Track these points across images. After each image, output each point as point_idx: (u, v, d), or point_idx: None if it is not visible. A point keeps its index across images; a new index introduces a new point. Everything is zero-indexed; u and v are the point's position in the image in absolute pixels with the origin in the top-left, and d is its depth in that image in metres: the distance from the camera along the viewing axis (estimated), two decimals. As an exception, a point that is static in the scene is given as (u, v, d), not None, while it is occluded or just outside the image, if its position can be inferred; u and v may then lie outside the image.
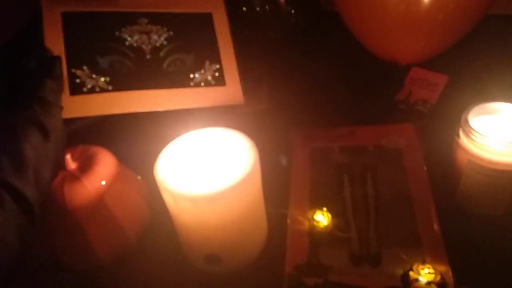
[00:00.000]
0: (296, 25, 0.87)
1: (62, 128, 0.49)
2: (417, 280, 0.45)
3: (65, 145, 0.49)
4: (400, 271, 0.46)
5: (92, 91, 0.57)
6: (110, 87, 0.58)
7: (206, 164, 0.49)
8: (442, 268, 0.45)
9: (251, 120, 0.68)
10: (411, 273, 0.45)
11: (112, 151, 0.54)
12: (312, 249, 0.50)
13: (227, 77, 0.64)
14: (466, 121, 0.50)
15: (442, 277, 0.44)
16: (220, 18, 0.66)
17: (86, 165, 0.50)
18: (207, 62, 0.63)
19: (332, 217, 0.52)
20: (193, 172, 0.48)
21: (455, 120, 0.52)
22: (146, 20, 0.62)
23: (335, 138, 0.63)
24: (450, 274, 0.45)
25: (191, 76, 0.62)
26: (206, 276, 0.51)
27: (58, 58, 0.55)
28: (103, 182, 0.50)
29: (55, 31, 0.57)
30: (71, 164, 0.50)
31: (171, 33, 0.63)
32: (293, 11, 0.85)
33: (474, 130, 0.49)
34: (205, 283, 0.50)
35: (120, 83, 0.59)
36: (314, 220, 0.52)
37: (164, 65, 0.61)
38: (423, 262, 0.46)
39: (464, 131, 0.50)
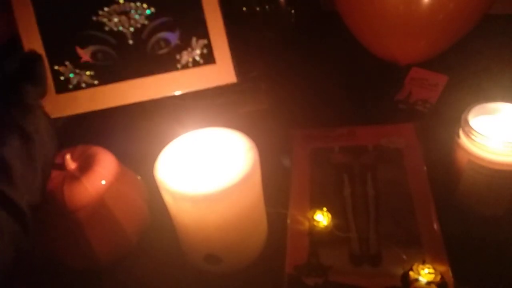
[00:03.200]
0: (296, 25, 0.87)
1: (48, 127, 0.48)
2: (417, 280, 0.45)
3: (57, 144, 0.49)
4: (400, 271, 0.46)
5: (78, 87, 0.56)
6: (96, 81, 0.56)
7: (206, 164, 0.49)
8: (442, 268, 0.45)
9: (251, 120, 0.67)
10: (411, 273, 0.45)
11: (112, 151, 0.54)
12: (312, 249, 0.50)
13: (217, 53, 0.59)
14: (466, 121, 0.50)
15: (442, 277, 0.44)
16: None
17: (86, 165, 0.50)
18: (194, 39, 0.58)
19: (332, 217, 0.52)
20: (193, 172, 0.48)
21: (455, 120, 0.52)
22: None
23: (335, 138, 0.63)
24: (450, 274, 0.45)
25: (177, 57, 0.58)
26: (206, 276, 0.51)
27: (39, 58, 0.53)
28: (103, 182, 0.50)
29: (27, 19, 0.54)
30: (71, 164, 0.50)
31: (152, 9, 0.58)
32: (293, 11, 0.85)
33: (474, 130, 0.49)
34: (205, 283, 0.50)
35: (106, 76, 0.57)
36: (314, 220, 0.52)
37: (148, 48, 0.58)
38: (423, 262, 0.46)
39: (464, 131, 0.50)
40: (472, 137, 0.49)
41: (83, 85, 0.56)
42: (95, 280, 0.52)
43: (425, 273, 0.45)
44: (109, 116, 0.58)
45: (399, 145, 0.60)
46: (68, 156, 0.50)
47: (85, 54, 0.56)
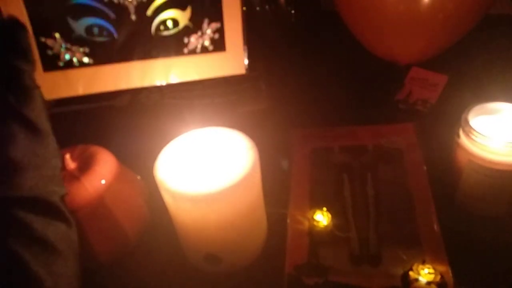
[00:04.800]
0: (296, 25, 0.87)
1: (46, 111, 0.41)
2: (417, 280, 0.45)
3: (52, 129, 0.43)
4: (400, 271, 0.46)
5: (69, 65, 0.48)
6: (90, 60, 0.49)
7: (206, 164, 0.49)
8: (442, 268, 0.45)
9: (251, 120, 0.67)
10: (411, 273, 0.45)
11: (112, 151, 0.54)
12: (312, 249, 0.49)
13: (228, 40, 0.53)
14: (466, 121, 0.50)
15: (442, 277, 0.44)
16: None
17: (86, 165, 0.50)
18: (206, 21, 0.52)
19: (332, 217, 0.52)
20: (193, 172, 0.48)
21: (455, 120, 0.52)
22: None
23: (335, 138, 0.63)
24: (450, 274, 0.45)
25: (185, 40, 0.51)
26: (206, 276, 0.51)
27: (21, 26, 0.41)
28: (103, 182, 0.50)
29: None
30: (71, 164, 0.50)
31: None
32: (293, 11, 0.85)
33: (474, 130, 0.49)
34: (205, 283, 0.50)
35: (102, 55, 0.49)
36: (314, 220, 0.52)
37: (153, 28, 0.51)
38: (423, 262, 0.46)
39: (464, 131, 0.50)
40: (472, 137, 0.49)
41: (76, 63, 0.49)
42: (94, 280, 0.52)
43: (425, 273, 0.45)
44: (109, 116, 0.58)
45: (399, 145, 0.60)
46: (67, 156, 0.50)
47: (78, 27, 0.48)
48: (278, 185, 0.57)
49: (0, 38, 0.40)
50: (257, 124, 0.62)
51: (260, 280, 0.50)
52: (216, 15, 0.52)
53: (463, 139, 0.51)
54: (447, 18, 0.67)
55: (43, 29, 0.47)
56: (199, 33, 0.52)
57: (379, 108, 0.69)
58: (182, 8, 0.51)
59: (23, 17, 0.46)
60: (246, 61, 0.53)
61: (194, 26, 0.51)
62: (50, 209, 0.39)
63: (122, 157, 0.55)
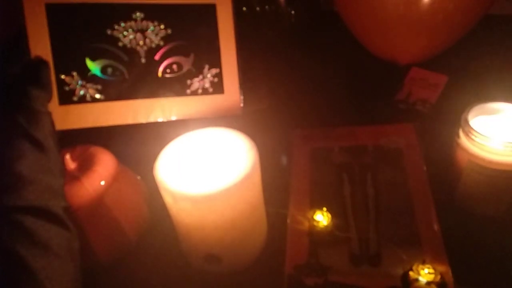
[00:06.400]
0: (296, 25, 0.87)
1: (54, 135, 0.47)
2: (417, 280, 0.45)
3: (59, 150, 0.48)
4: (400, 271, 0.46)
5: (82, 100, 0.54)
6: (102, 97, 0.55)
7: (206, 164, 0.49)
8: (442, 268, 0.45)
9: (251, 120, 0.67)
10: (411, 273, 0.45)
11: (112, 151, 0.54)
12: (312, 249, 0.49)
13: (226, 83, 0.59)
14: (466, 121, 0.50)
15: (442, 277, 0.44)
16: (224, 10, 0.59)
17: (86, 165, 0.50)
18: (207, 67, 0.59)
19: (332, 217, 0.52)
20: (193, 172, 0.48)
21: (455, 120, 0.52)
22: (141, 15, 0.56)
23: (335, 138, 0.63)
24: (450, 274, 0.45)
25: (188, 82, 0.58)
26: (206, 276, 0.51)
27: (45, 64, 0.51)
28: (103, 182, 0.50)
29: (39, 26, 0.52)
30: (71, 164, 0.50)
31: (169, 31, 0.57)
32: (293, 12, 0.85)
33: (474, 130, 0.49)
34: (205, 283, 0.50)
35: (113, 92, 0.55)
36: (314, 220, 0.52)
37: (160, 71, 0.57)
38: (423, 262, 0.46)
39: (464, 131, 0.50)
40: (472, 137, 0.49)
41: (88, 98, 0.55)
42: (94, 280, 0.52)
43: (425, 273, 0.45)
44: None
45: (399, 145, 0.60)
46: (67, 156, 0.50)
47: (94, 67, 0.55)
48: (278, 185, 0.57)
49: (25, 71, 0.49)
50: (257, 124, 0.62)
51: (260, 280, 0.50)
52: (216, 62, 0.59)
53: (463, 139, 0.51)
54: (447, 18, 0.67)
55: (63, 68, 0.53)
56: (201, 76, 0.59)
57: (379, 108, 0.69)
58: (186, 55, 0.58)
59: (48, 55, 0.52)
60: (241, 104, 0.61)
61: (196, 71, 0.59)
62: (52, 218, 0.42)
63: (122, 157, 0.55)
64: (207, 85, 0.59)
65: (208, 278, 0.50)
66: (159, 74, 0.57)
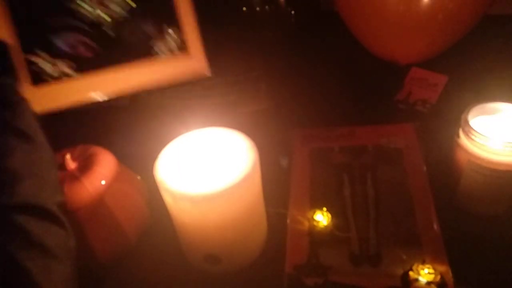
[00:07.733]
0: (296, 25, 0.87)
1: (36, 121, 0.44)
2: (417, 280, 0.45)
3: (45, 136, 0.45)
4: (400, 271, 0.46)
5: (55, 78, 0.54)
6: (73, 72, 0.55)
7: (206, 164, 0.49)
8: (442, 268, 0.45)
9: (251, 120, 0.68)
10: (411, 273, 0.45)
11: (112, 151, 0.54)
12: (312, 249, 0.49)
13: (189, 43, 0.60)
14: (466, 121, 0.50)
15: (442, 277, 0.44)
16: None
17: (86, 165, 0.50)
18: (168, 29, 0.59)
19: (332, 217, 0.52)
20: (193, 172, 0.48)
21: (455, 120, 0.52)
22: None
23: (335, 138, 0.63)
24: (450, 274, 0.45)
25: (154, 47, 0.59)
26: (206, 276, 0.51)
27: (6, 47, 0.48)
28: (103, 182, 0.50)
29: None
30: (71, 164, 0.50)
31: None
32: (292, 12, 0.85)
33: (474, 130, 0.49)
34: (205, 283, 0.50)
35: (83, 66, 0.56)
36: (314, 220, 0.52)
37: (126, 37, 0.58)
38: (423, 262, 0.46)
39: (464, 131, 0.50)
40: (472, 137, 0.49)
41: (61, 76, 0.54)
42: (94, 280, 0.52)
43: (425, 273, 0.45)
44: (109, 116, 0.58)
45: (399, 145, 0.60)
46: (68, 156, 0.50)
47: (61, 42, 0.54)
48: (278, 185, 0.57)
49: None
50: (257, 124, 0.62)
51: (260, 280, 0.50)
52: (173, 20, 0.60)
53: (463, 139, 0.51)
54: (447, 18, 0.67)
55: (29, 46, 0.53)
56: (164, 39, 0.60)
57: (379, 108, 0.70)
58: (144, 17, 0.59)
59: (11, 37, 0.51)
60: (207, 65, 0.62)
61: (158, 33, 0.59)
62: (47, 216, 0.40)
63: (122, 157, 0.55)
64: (172, 46, 0.60)
65: (208, 278, 0.50)
66: (126, 40, 0.58)
